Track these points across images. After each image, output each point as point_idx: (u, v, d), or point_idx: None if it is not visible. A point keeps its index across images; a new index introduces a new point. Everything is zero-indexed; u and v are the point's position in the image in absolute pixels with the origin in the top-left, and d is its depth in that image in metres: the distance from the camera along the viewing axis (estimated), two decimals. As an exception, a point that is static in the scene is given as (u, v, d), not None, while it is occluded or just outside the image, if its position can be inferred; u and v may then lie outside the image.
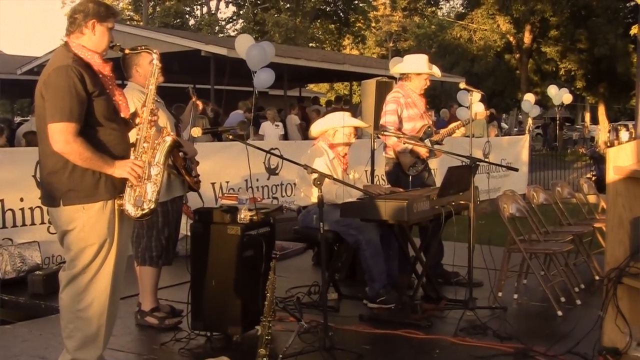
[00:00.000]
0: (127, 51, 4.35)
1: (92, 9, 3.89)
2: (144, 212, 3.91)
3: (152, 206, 3.92)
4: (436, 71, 6.75)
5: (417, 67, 6.60)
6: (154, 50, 4.14)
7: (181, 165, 5.06)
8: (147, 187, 3.90)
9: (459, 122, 6.87)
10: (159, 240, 5.18)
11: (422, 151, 6.45)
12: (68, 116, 3.69)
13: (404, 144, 6.33)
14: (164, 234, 5.19)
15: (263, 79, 13.08)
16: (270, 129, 14.61)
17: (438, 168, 11.07)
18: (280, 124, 14.93)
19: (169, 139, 4.00)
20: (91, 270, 3.88)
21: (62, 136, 3.69)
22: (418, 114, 6.57)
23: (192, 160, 5.27)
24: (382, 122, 6.58)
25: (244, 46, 13.21)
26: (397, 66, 6.82)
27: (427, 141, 6.51)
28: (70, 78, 3.71)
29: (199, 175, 5.31)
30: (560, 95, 23.16)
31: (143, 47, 4.25)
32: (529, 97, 21.27)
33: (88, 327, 3.93)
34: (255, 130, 13.74)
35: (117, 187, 3.88)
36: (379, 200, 5.44)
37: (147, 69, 4.85)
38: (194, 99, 5.73)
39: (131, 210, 3.89)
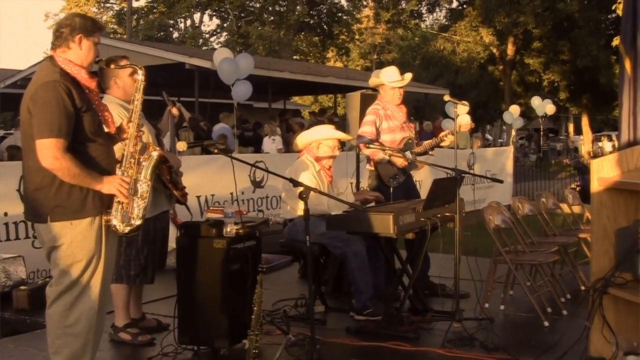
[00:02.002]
0: (112, 66, 4.36)
1: (79, 24, 3.88)
2: (131, 227, 3.91)
3: (139, 222, 3.92)
4: (407, 78, 6.64)
5: (379, 79, 6.60)
6: (139, 67, 4.14)
7: (167, 179, 5.04)
8: (134, 202, 3.90)
9: (446, 131, 6.84)
10: (137, 259, 5.13)
11: (399, 162, 6.44)
12: (57, 132, 3.67)
13: (389, 156, 6.33)
14: (143, 253, 5.14)
15: (241, 91, 13.07)
16: (267, 144, 14.43)
17: (424, 180, 11.11)
18: (277, 138, 14.70)
19: (155, 155, 4.00)
20: (79, 286, 3.87)
21: (50, 152, 3.67)
22: (398, 126, 6.56)
23: (177, 172, 5.25)
24: (359, 132, 6.59)
25: (219, 60, 13.24)
26: (370, 81, 6.86)
27: (407, 153, 6.49)
28: (59, 93, 3.70)
29: (185, 187, 5.29)
30: (543, 106, 23.31)
31: (129, 63, 4.25)
32: (514, 109, 21.40)
33: (76, 343, 3.91)
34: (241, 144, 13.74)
35: (105, 203, 3.87)
36: (365, 212, 5.45)
37: (127, 82, 4.88)
38: (169, 107, 5.66)
39: (119, 226, 3.88)
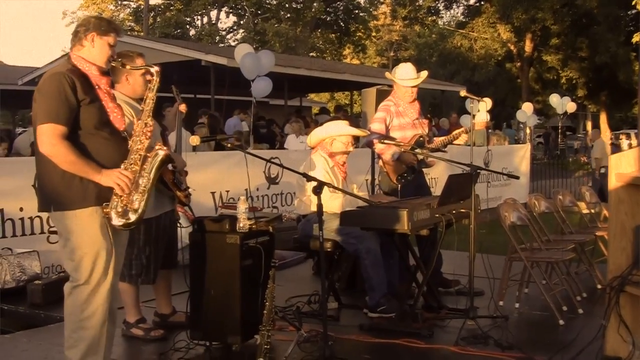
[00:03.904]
0: (128, 67, 4.43)
1: (94, 23, 4.01)
2: (128, 221, 3.90)
3: (137, 217, 3.91)
4: (423, 76, 6.58)
5: (395, 75, 6.56)
6: (155, 68, 4.19)
7: (170, 180, 5.01)
8: (134, 197, 3.90)
9: (461, 129, 6.77)
10: (139, 259, 5.09)
11: (408, 159, 6.39)
12: (55, 118, 3.76)
13: (403, 151, 6.26)
14: (145, 253, 5.09)
15: (260, 87, 13.05)
16: (294, 144, 13.40)
17: (439, 177, 11.06)
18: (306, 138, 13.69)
19: (161, 153, 4.00)
20: (93, 279, 3.90)
21: (47, 138, 3.77)
22: (409, 123, 6.50)
23: (181, 172, 5.22)
24: (368, 128, 6.56)
25: (241, 55, 13.22)
26: (387, 73, 6.82)
27: (418, 150, 6.39)
28: (62, 84, 3.80)
29: (188, 188, 5.25)
30: (563, 103, 23.21)
31: (144, 64, 4.48)
32: (527, 107, 21.32)
33: (91, 337, 3.95)
34: (255, 139, 13.65)
35: (105, 196, 3.88)
36: (379, 208, 5.41)
37: (138, 80, 4.92)
38: (178, 103, 5.60)
39: (115, 219, 3.88)
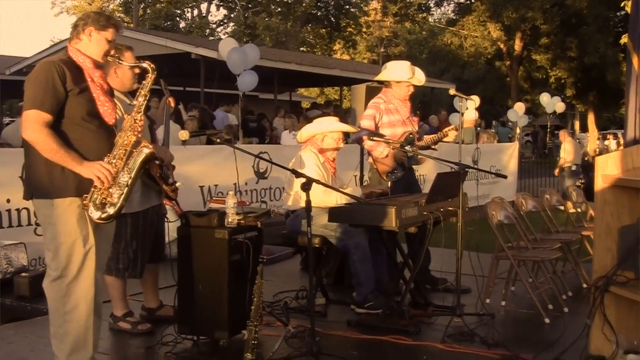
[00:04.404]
0: (124, 63, 4.44)
1: (92, 18, 4.05)
2: (107, 214, 3.89)
3: (115, 211, 3.89)
4: (419, 77, 6.62)
5: (395, 74, 6.56)
6: (151, 65, 4.19)
7: (157, 174, 5.01)
8: (113, 190, 3.88)
9: (451, 126, 6.79)
10: (126, 253, 5.09)
11: (398, 155, 6.41)
12: (39, 105, 3.78)
13: (392, 148, 6.28)
14: (132, 247, 5.09)
15: (247, 81, 13.03)
16: (288, 140, 13.38)
17: (428, 174, 11.09)
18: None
19: (146, 151, 3.99)
20: (70, 271, 3.89)
21: (30, 124, 3.78)
22: (400, 120, 6.53)
23: (168, 166, 5.21)
24: (358, 124, 6.57)
25: (227, 50, 13.20)
26: (380, 74, 6.78)
27: (407, 148, 6.41)
28: (50, 72, 3.82)
29: (175, 182, 5.25)
30: (552, 103, 23.29)
31: (138, 62, 4.37)
32: (518, 107, 21.38)
33: (76, 331, 3.94)
34: (243, 133, 13.63)
35: (86, 187, 3.87)
36: (368, 205, 5.43)
37: (127, 73, 4.94)
38: (166, 97, 5.61)
39: (93, 212, 3.88)
